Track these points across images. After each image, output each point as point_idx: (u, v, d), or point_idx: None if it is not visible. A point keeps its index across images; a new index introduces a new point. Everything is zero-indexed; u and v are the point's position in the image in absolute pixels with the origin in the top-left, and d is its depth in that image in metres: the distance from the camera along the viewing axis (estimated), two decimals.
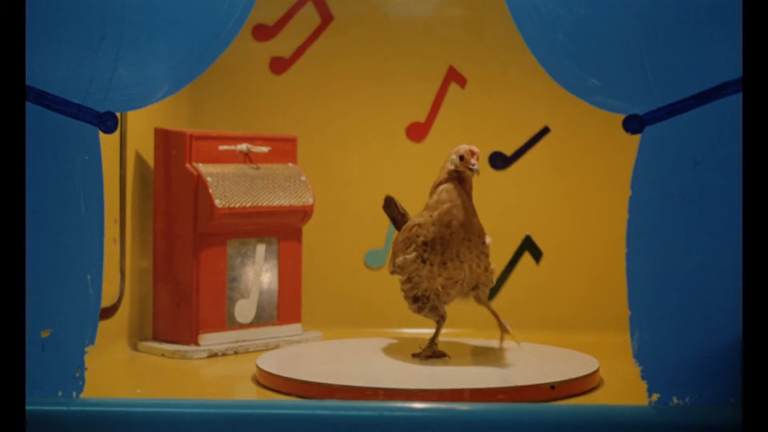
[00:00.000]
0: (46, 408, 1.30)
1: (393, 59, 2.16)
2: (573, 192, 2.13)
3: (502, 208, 2.12)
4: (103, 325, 1.58)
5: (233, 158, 1.93)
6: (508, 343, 1.78)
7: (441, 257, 1.61)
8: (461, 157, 1.62)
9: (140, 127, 1.93)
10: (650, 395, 1.29)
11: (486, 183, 2.14)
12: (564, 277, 2.13)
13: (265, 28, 2.17)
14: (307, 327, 2.03)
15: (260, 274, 1.95)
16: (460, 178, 1.63)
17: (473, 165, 1.62)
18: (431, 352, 1.67)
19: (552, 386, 1.49)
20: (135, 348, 1.90)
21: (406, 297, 1.68)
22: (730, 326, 1.27)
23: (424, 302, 1.66)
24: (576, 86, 1.35)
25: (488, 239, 1.66)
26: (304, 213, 1.98)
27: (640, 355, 1.29)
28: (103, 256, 1.34)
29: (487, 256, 1.66)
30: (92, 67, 1.33)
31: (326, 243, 2.14)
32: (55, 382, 1.32)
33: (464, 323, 2.03)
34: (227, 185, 1.88)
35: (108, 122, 1.35)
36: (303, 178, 1.99)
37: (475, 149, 1.63)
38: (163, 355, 1.85)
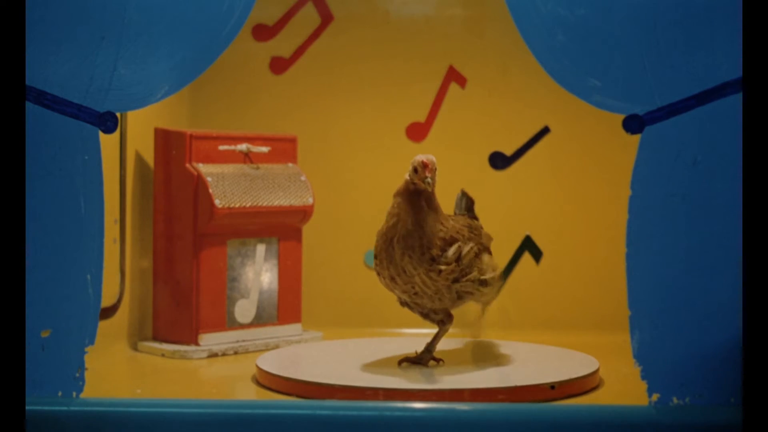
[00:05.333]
0: (46, 408, 1.30)
1: (393, 59, 2.16)
2: (573, 192, 2.13)
3: (502, 208, 2.12)
4: (103, 325, 1.58)
5: (233, 158, 1.93)
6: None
7: (388, 271, 1.59)
8: (416, 169, 1.57)
9: (140, 127, 1.93)
10: (650, 395, 1.29)
11: (486, 183, 2.14)
12: (564, 277, 2.13)
13: (265, 28, 2.17)
14: (307, 327, 2.03)
15: (260, 274, 1.95)
16: (416, 189, 1.58)
17: (426, 178, 1.56)
18: (417, 359, 1.65)
19: (552, 386, 1.49)
20: (135, 348, 1.90)
21: None
22: (730, 326, 1.27)
23: (405, 306, 1.66)
24: (576, 86, 1.35)
25: (451, 250, 1.57)
26: (304, 213, 1.98)
27: (640, 355, 1.29)
28: (103, 256, 1.34)
29: (438, 274, 1.56)
30: (92, 67, 1.33)
31: (326, 243, 2.14)
32: (55, 382, 1.32)
33: (462, 323, 2.03)
34: (227, 185, 1.88)
35: (108, 122, 1.35)
36: (303, 178, 1.99)
37: (428, 161, 1.56)
38: (163, 355, 1.85)
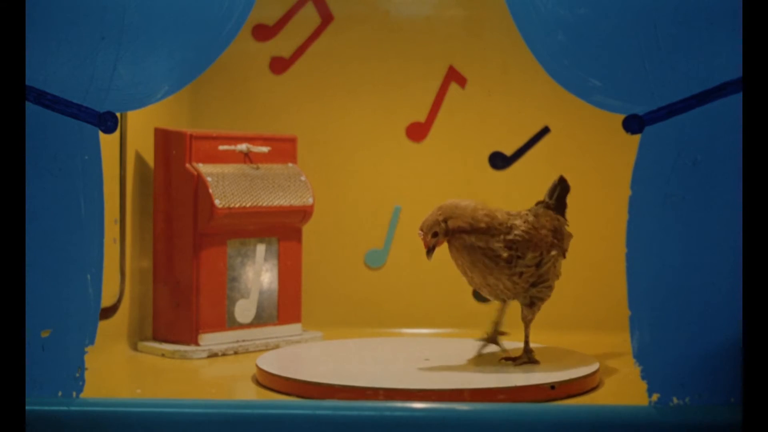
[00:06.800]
0: (46, 408, 1.30)
1: (393, 59, 2.16)
2: (573, 192, 2.13)
3: (502, 208, 2.11)
4: (103, 325, 1.58)
5: (233, 158, 1.93)
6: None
7: (474, 284, 1.64)
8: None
9: (140, 127, 1.93)
10: (650, 395, 1.29)
11: (486, 183, 2.14)
12: (564, 277, 2.12)
13: (265, 28, 2.17)
14: (307, 327, 2.03)
15: (260, 274, 1.95)
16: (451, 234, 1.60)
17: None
18: (527, 359, 1.65)
19: (552, 386, 1.49)
20: (135, 348, 1.90)
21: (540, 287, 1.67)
22: (729, 326, 1.27)
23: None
24: (576, 86, 1.35)
25: (528, 256, 1.62)
26: (304, 213, 1.98)
27: (640, 355, 1.29)
28: (103, 256, 1.34)
29: (519, 276, 1.62)
30: (92, 67, 1.33)
31: (326, 243, 2.14)
32: (55, 382, 1.32)
33: (462, 323, 2.03)
34: (227, 185, 1.88)
35: (108, 122, 1.35)
36: (303, 178, 1.99)
37: (420, 230, 1.59)
38: (163, 355, 1.85)
